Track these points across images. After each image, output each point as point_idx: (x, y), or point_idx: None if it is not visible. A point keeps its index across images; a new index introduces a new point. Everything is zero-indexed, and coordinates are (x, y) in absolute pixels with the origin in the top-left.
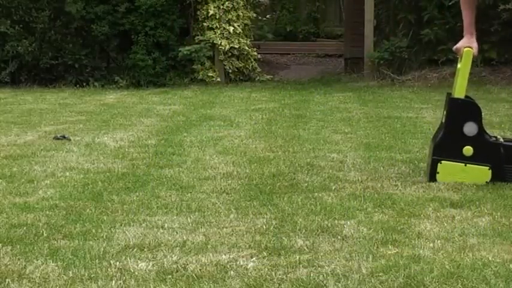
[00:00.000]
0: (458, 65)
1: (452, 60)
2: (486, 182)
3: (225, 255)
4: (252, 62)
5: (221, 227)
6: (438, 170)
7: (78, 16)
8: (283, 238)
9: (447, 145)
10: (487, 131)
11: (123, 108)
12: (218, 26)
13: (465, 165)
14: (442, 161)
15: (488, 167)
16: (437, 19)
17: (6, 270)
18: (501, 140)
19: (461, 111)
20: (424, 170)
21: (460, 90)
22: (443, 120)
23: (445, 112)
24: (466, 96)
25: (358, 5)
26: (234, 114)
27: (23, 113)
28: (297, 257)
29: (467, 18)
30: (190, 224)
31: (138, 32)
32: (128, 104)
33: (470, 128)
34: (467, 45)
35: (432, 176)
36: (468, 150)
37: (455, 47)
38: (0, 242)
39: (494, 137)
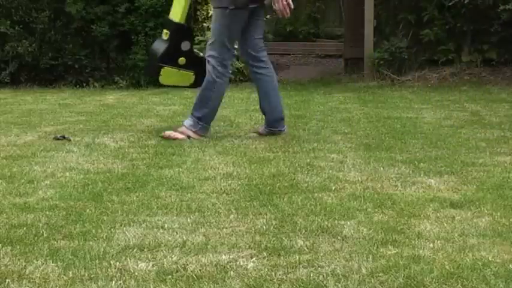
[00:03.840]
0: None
1: (452, 60)
2: (190, 83)
3: (225, 255)
4: None
5: (221, 228)
6: (161, 73)
7: (78, 16)
8: (283, 238)
9: (169, 55)
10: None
11: (123, 108)
12: None
13: (178, 70)
14: (165, 67)
15: (192, 73)
16: (437, 19)
17: (6, 271)
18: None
19: (181, 32)
20: (424, 170)
21: (181, 16)
22: (165, 38)
23: (165, 31)
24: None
25: (358, 6)
26: (234, 114)
27: (23, 113)
28: (297, 257)
29: None
30: (190, 225)
31: (138, 32)
32: (127, 105)
33: (186, 45)
34: None
35: (156, 77)
36: (182, 60)
37: None
38: (0, 242)
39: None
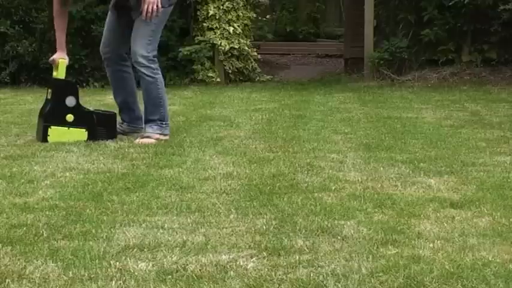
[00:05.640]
0: (55, 73)
1: (452, 60)
2: (85, 140)
3: (225, 255)
4: (252, 63)
5: (221, 228)
6: (49, 133)
7: (78, 16)
8: (283, 238)
9: (54, 113)
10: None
11: None
12: (218, 27)
13: (68, 128)
14: (52, 126)
15: (84, 129)
16: (437, 19)
17: (6, 271)
18: (91, 109)
19: (64, 88)
20: (424, 170)
21: (60, 71)
22: (49, 97)
23: (50, 90)
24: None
25: (358, 6)
26: (234, 114)
27: (23, 113)
28: (297, 257)
29: (60, 38)
30: (190, 225)
31: None
32: None
33: (70, 101)
34: (62, 57)
35: (44, 138)
36: (70, 117)
37: (51, 59)
38: (0, 242)
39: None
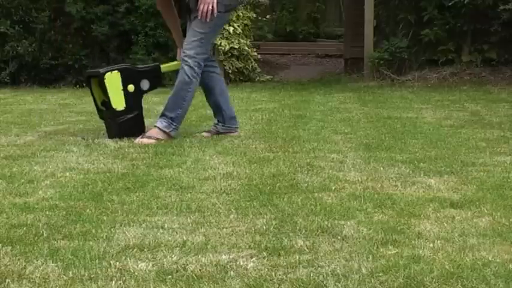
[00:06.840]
0: (164, 65)
1: (452, 60)
2: (106, 113)
3: (225, 255)
4: (252, 63)
5: (221, 228)
6: (112, 72)
7: (78, 16)
8: (283, 238)
9: (129, 72)
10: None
11: None
12: None
13: (121, 90)
14: (117, 72)
15: (125, 105)
16: (437, 19)
17: (6, 271)
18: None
19: (155, 73)
20: (424, 170)
21: (165, 68)
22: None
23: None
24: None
25: (358, 6)
26: None
27: (23, 113)
28: (297, 257)
29: (175, 35)
30: (190, 225)
31: (138, 32)
32: None
33: (145, 84)
34: (178, 60)
35: (105, 72)
36: (131, 87)
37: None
38: (0, 242)
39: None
